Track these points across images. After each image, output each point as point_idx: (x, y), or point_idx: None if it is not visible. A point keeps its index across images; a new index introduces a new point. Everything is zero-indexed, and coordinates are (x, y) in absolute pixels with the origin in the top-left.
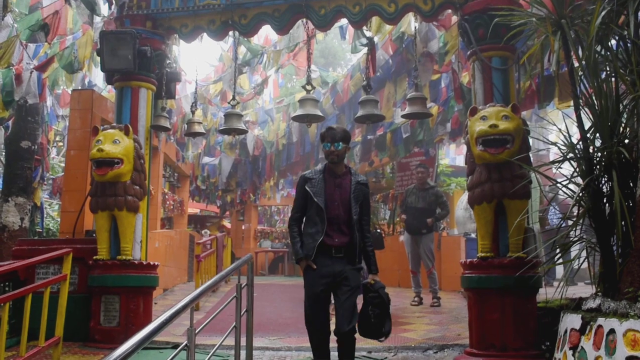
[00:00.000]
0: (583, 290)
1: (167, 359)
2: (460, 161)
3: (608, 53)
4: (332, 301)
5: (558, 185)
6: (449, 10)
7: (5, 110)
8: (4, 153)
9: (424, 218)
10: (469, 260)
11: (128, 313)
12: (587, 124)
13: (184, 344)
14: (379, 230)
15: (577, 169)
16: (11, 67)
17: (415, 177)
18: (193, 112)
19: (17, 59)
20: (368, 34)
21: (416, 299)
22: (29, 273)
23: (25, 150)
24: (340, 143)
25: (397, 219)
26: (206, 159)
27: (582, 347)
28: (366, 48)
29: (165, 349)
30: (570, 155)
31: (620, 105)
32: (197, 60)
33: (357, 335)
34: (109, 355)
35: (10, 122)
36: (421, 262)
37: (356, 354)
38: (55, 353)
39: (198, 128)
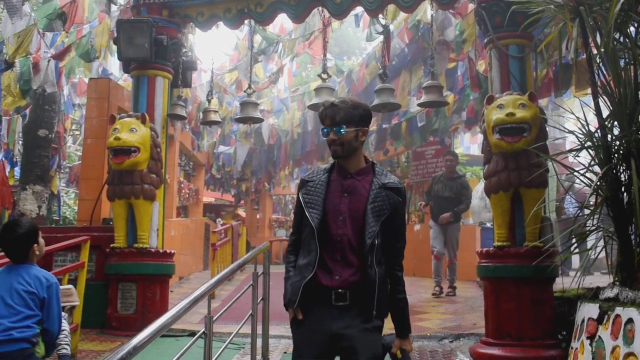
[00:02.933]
0: (600, 279)
1: (184, 347)
2: (475, 150)
3: (627, 40)
4: None
5: (575, 174)
6: None
7: (23, 98)
8: (21, 141)
9: (451, 207)
10: (485, 249)
11: (145, 301)
12: (605, 112)
13: (201, 331)
14: None
15: (595, 158)
16: (29, 56)
17: (444, 166)
18: (209, 101)
19: (35, 48)
20: (383, 21)
21: (437, 288)
22: (47, 260)
23: (43, 138)
24: (344, 126)
25: (413, 209)
26: (221, 148)
27: (599, 336)
28: (381, 36)
29: (182, 336)
30: (588, 143)
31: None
32: (213, 49)
33: None
34: (127, 342)
35: (27, 111)
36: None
37: None
38: (73, 340)
39: (214, 117)
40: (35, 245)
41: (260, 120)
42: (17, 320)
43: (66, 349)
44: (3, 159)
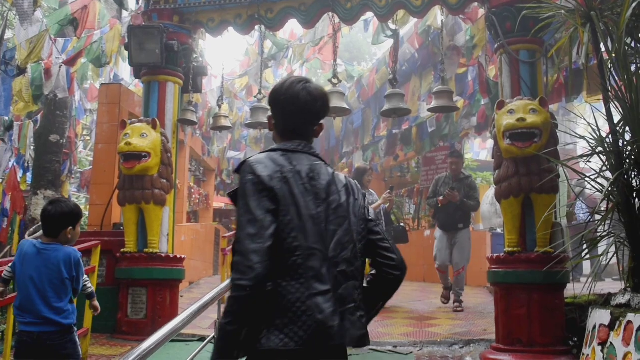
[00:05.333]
0: (611, 286)
1: (194, 351)
2: (484, 155)
3: (639, 45)
4: None
5: (587, 179)
6: (476, 3)
7: (35, 104)
8: (33, 147)
9: (460, 213)
10: (495, 255)
11: (155, 305)
12: (617, 118)
13: (211, 336)
14: (402, 224)
15: (607, 163)
16: (41, 62)
17: (449, 168)
18: (219, 106)
19: (47, 54)
20: (393, 27)
21: (445, 292)
22: None
23: (54, 144)
24: None
25: (423, 214)
26: (231, 153)
27: (611, 343)
28: (391, 41)
29: (192, 341)
30: (599, 149)
31: None
32: (223, 55)
33: (381, 329)
34: (137, 347)
35: (39, 116)
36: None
37: (381, 348)
38: (83, 344)
39: (224, 122)
40: (70, 228)
41: None
42: (54, 309)
43: (90, 287)
44: (15, 164)
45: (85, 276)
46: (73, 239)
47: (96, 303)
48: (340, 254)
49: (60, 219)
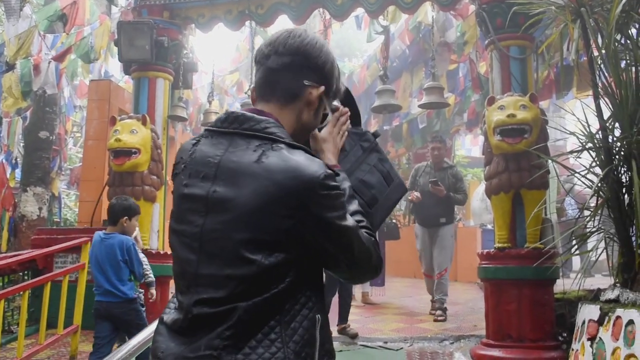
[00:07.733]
0: (601, 281)
1: None
2: (476, 152)
3: (628, 41)
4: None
5: (576, 175)
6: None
7: (24, 100)
8: (22, 143)
9: (442, 205)
10: (485, 251)
11: (145, 302)
12: (607, 114)
13: None
14: (394, 221)
15: (596, 159)
16: (30, 58)
17: (430, 155)
18: (210, 102)
19: (36, 50)
20: (384, 23)
21: (438, 312)
22: (48, 262)
23: (44, 140)
24: None
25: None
26: None
27: (600, 338)
28: (382, 37)
29: None
30: (589, 145)
31: None
32: (214, 51)
33: (372, 325)
34: (125, 344)
35: (28, 113)
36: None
37: (371, 344)
38: (73, 341)
39: (215, 118)
40: (126, 218)
41: None
42: (114, 284)
43: (151, 277)
44: (4, 160)
45: (148, 266)
46: (128, 229)
47: (153, 291)
48: (205, 273)
49: (119, 210)
